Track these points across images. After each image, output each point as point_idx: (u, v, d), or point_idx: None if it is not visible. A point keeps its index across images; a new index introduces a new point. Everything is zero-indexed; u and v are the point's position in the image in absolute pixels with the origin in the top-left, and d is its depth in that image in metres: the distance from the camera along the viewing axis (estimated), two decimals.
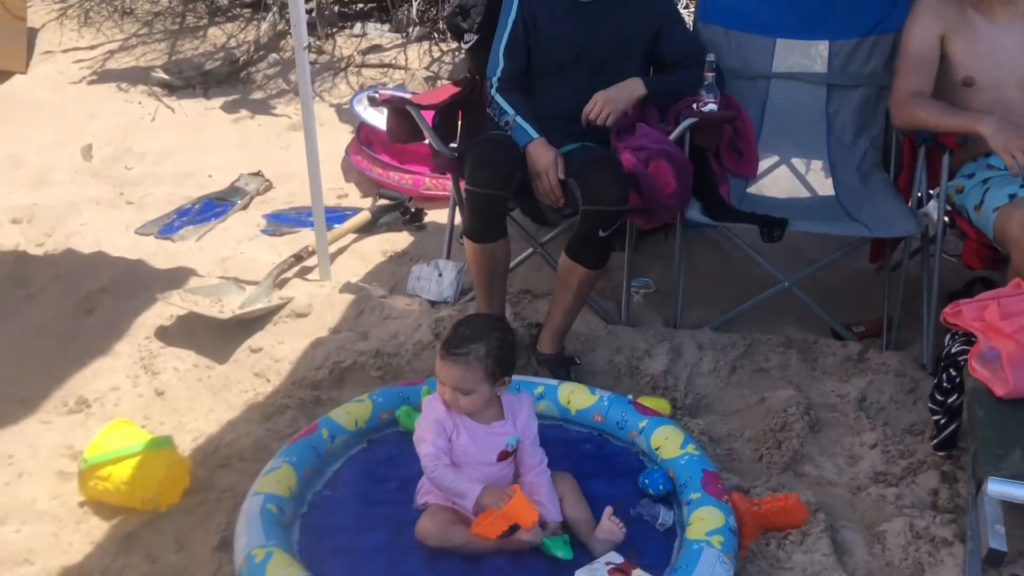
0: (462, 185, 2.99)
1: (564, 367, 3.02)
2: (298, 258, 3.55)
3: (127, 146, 4.81)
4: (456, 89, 3.42)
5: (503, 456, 2.28)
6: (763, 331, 3.28)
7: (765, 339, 3.23)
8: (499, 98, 3.10)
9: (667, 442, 2.54)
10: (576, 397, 2.74)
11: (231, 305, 3.28)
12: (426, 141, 3.25)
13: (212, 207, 4.11)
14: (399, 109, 3.18)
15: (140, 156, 4.72)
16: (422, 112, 3.18)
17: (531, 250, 3.37)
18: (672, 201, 3.00)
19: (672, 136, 3.07)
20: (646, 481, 2.44)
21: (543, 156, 2.95)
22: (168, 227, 3.92)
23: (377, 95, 3.11)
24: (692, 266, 3.42)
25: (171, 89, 5.38)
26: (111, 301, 3.34)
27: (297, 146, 4.75)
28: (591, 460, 2.61)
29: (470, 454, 2.23)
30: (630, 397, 2.76)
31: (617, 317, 3.39)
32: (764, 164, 3.51)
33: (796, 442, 2.75)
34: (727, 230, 3.20)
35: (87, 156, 4.74)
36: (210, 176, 4.46)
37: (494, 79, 3.14)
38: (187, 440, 2.74)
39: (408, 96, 3.61)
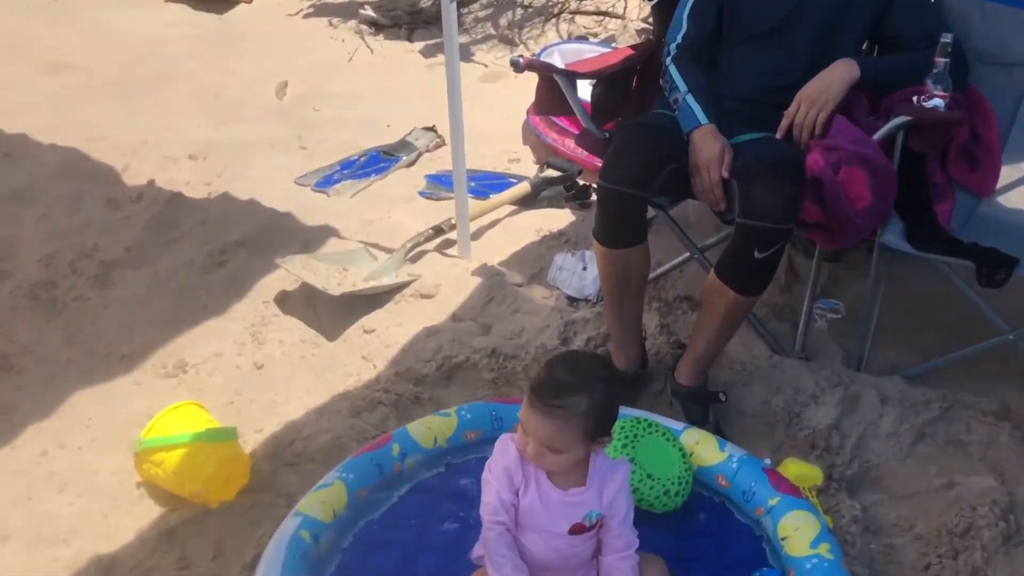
0: None
1: (703, 405, 2.52)
2: (438, 230, 3.24)
3: (320, 86, 4.70)
4: (629, 52, 2.92)
5: (577, 529, 1.86)
6: (971, 392, 2.59)
7: (972, 402, 2.56)
8: (673, 69, 2.59)
9: (796, 534, 2.01)
10: (701, 450, 2.26)
11: (357, 276, 3.03)
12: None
13: (377, 161, 3.88)
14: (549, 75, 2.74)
15: (330, 98, 4.59)
16: (578, 79, 2.72)
17: (687, 255, 2.85)
18: (862, 220, 2.39)
19: (877, 136, 2.43)
20: None
21: (708, 147, 2.42)
22: (327, 180, 3.74)
23: (521, 59, 2.68)
24: (894, 292, 2.76)
25: (377, 27, 5.21)
26: (244, 256, 3.20)
27: (486, 99, 4.45)
28: (699, 537, 2.13)
29: (536, 519, 1.82)
30: (767, 462, 2.24)
31: (789, 345, 2.82)
32: (1009, 177, 2.75)
33: (980, 556, 2.11)
34: (939, 260, 2.52)
35: (280, 94, 4.68)
36: (388, 126, 4.24)
37: (672, 45, 2.63)
38: (269, 425, 2.53)
39: (569, 60, 3.15)
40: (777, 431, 2.53)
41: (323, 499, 2.07)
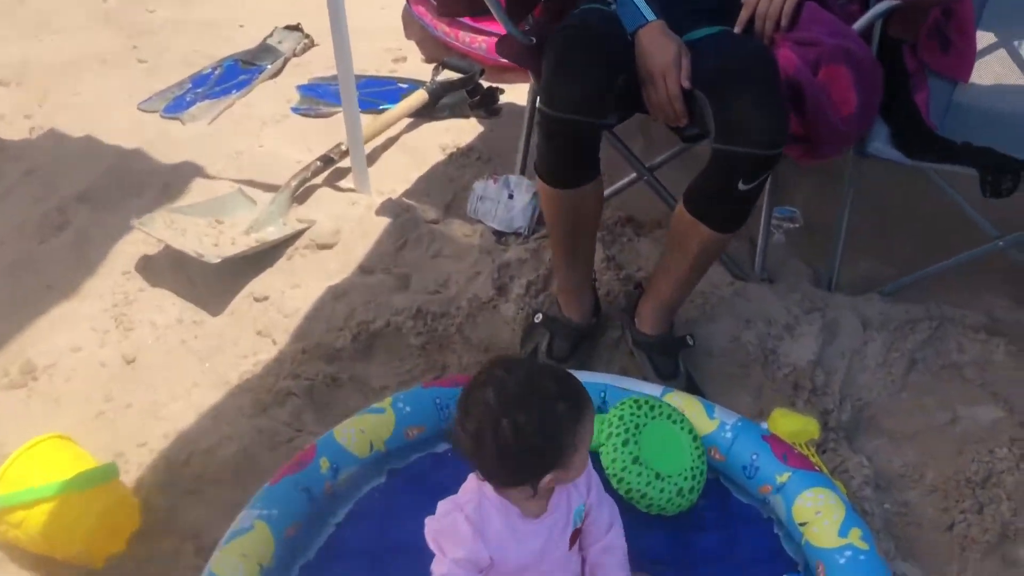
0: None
1: (671, 355, 2.16)
2: (327, 160, 2.71)
3: None
4: None
5: (575, 538, 1.52)
6: (953, 305, 2.33)
7: (958, 317, 2.30)
8: None
9: (819, 519, 1.70)
10: (685, 417, 1.91)
11: (234, 229, 2.50)
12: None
13: (236, 73, 3.26)
14: None
15: None
16: None
17: (635, 176, 2.44)
18: (848, 127, 2.03)
19: (858, 25, 2.05)
20: None
21: (660, 49, 1.96)
22: (178, 102, 3.11)
23: None
24: (861, 197, 2.45)
25: None
26: (88, 214, 2.59)
27: None
28: (700, 532, 1.80)
29: (536, 560, 1.46)
30: (765, 426, 1.92)
31: (748, 267, 2.48)
32: (983, 59, 2.43)
33: (1007, 508, 1.88)
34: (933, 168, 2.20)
35: None
36: (241, 26, 3.58)
37: None
38: (153, 437, 2.04)
39: None
40: (753, 372, 2.21)
41: (244, 551, 1.63)
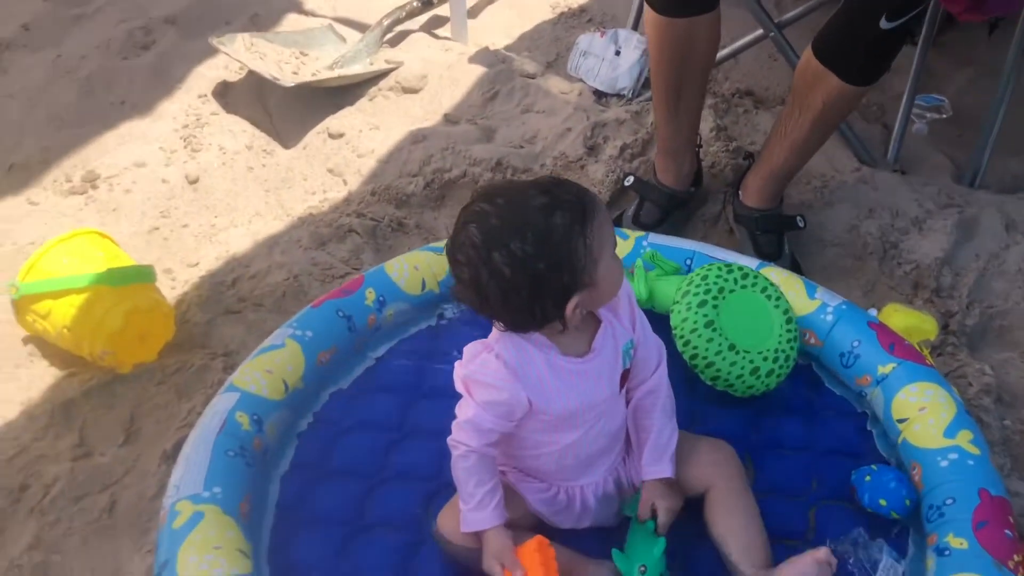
0: None
1: (776, 233, 1.91)
2: (426, 3, 2.51)
3: None
4: None
5: (624, 380, 1.31)
6: None
7: None
8: None
9: (922, 416, 1.45)
10: (782, 295, 1.66)
11: (319, 63, 2.34)
12: None
13: None
14: None
15: None
16: None
17: (760, 32, 2.16)
18: None
19: None
20: (871, 490, 1.38)
21: None
22: None
23: None
24: (1021, 90, 2.11)
25: None
26: (174, 37, 2.48)
27: None
28: (779, 415, 1.57)
29: (582, 407, 1.26)
30: (873, 313, 1.66)
31: (880, 154, 2.19)
32: None
33: None
34: None
35: None
36: None
37: None
38: (206, 259, 1.92)
39: None
40: (869, 265, 1.94)
41: (269, 366, 1.49)
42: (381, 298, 1.65)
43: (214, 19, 2.53)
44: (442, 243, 1.76)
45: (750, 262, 1.73)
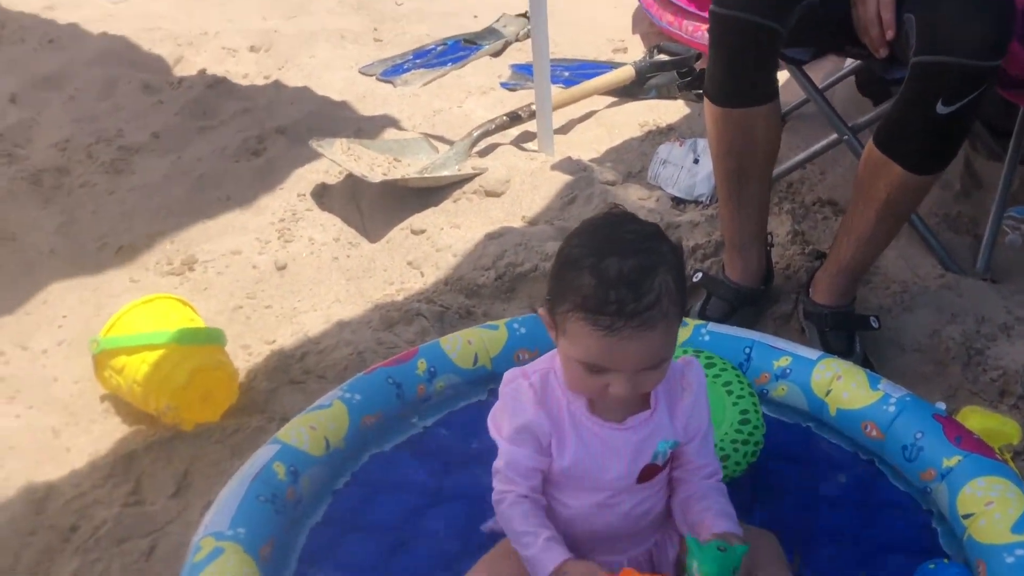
0: None
1: (847, 332, 1.85)
2: (515, 117, 2.63)
3: None
4: None
5: (649, 474, 1.26)
6: None
7: None
8: None
9: (989, 511, 1.34)
10: (844, 387, 1.59)
11: (410, 168, 2.47)
12: None
13: (456, 49, 3.30)
14: None
15: None
16: None
17: (835, 137, 2.16)
18: None
19: None
20: None
21: None
22: (396, 68, 3.19)
23: None
24: None
25: None
26: (285, 144, 2.68)
27: None
28: (833, 508, 1.48)
29: (587, 477, 1.24)
30: (942, 406, 1.57)
31: (967, 263, 2.11)
32: None
33: None
34: None
35: None
36: (475, 16, 3.65)
37: None
38: (283, 337, 2.01)
39: None
40: (951, 372, 1.85)
41: (314, 423, 1.53)
42: (432, 369, 1.67)
43: (322, 131, 2.71)
44: (496, 321, 1.80)
45: (811, 353, 1.68)
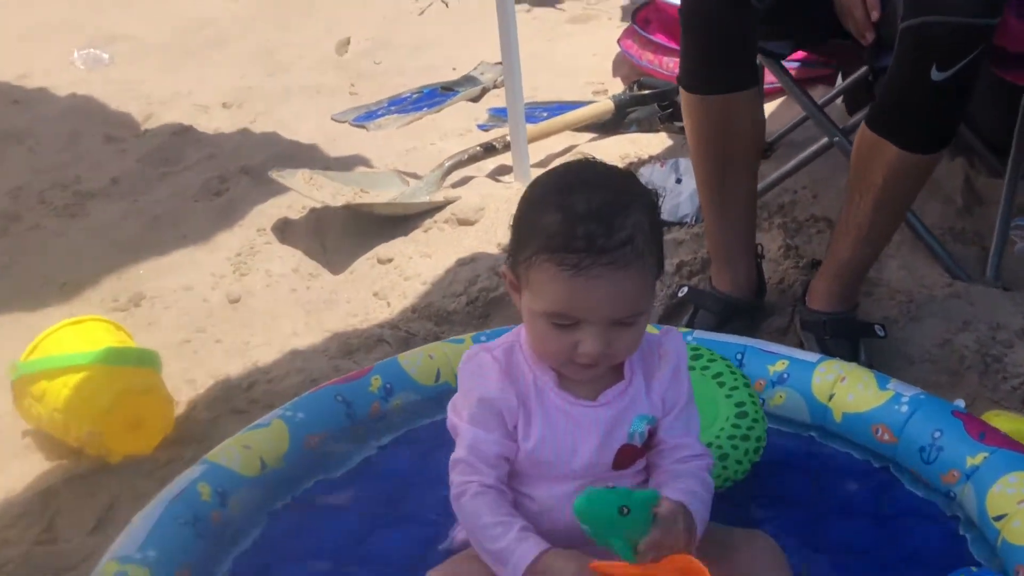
0: None
1: (848, 339, 1.68)
2: (489, 148, 2.51)
3: (386, 40, 4.08)
4: None
5: (625, 456, 1.08)
6: None
7: None
8: None
9: (1022, 509, 1.15)
10: (849, 389, 1.42)
11: (378, 199, 2.33)
12: None
13: (432, 96, 3.21)
14: None
15: (395, 49, 3.96)
16: None
17: (825, 141, 2.03)
18: None
19: None
20: None
21: None
22: (369, 114, 3.09)
23: None
24: None
25: None
26: (247, 183, 2.55)
27: (567, 39, 3.75)
28: (849, 519, 1.29)
29: (556, 464, 1.07)
30: (960, 404, 1.39)
31: (976, 273, 1.95)
32: None
33: None
34: None
35: (341, 51, 4.07)
36: (454, 69, 3.57)
37: None
38: (233, 369, 1.83)
39: None
40: (968, 380, 1.67)
41: (248, 443, 1.35)
42: (388, 385, 1.50)
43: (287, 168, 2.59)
44: (461, 336, 1.63)
45: (811, 356, 1.51)
